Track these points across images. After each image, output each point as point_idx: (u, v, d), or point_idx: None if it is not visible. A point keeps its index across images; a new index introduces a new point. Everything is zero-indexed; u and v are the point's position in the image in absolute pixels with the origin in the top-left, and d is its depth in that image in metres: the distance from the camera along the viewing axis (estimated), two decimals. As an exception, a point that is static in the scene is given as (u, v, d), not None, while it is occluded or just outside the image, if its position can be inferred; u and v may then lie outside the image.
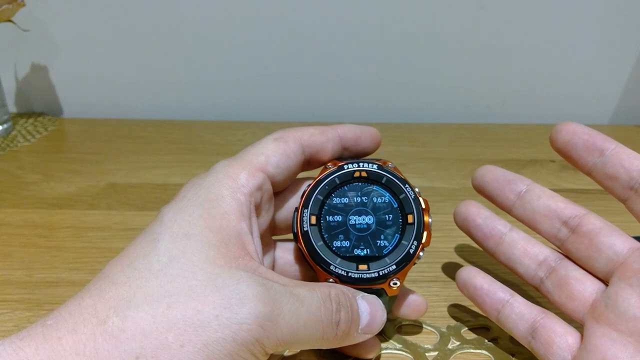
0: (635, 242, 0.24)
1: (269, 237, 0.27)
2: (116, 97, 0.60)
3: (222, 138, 0.54)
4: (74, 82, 0.59)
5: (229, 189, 0.22)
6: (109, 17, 0.56)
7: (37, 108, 0.61)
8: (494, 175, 0.28)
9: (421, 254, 0.25)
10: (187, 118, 0.59)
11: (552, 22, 0.55)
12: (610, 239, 0.24)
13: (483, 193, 0.28)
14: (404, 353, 0.27)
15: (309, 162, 0.26)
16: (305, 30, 0.56)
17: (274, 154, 0.24)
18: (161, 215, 0.21)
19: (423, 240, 0.25)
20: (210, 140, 0.54)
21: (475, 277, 0.27)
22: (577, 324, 0.24)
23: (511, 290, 0.26)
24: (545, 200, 0.26)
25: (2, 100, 0.53)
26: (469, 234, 0.28)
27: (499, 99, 0.60)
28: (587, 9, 0.55)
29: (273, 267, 0.27)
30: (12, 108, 0.60)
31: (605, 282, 0.24)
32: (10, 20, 0.50)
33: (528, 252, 0.26)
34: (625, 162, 0.24)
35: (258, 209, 0.24)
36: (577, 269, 0.25)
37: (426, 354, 0.27)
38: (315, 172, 0.27)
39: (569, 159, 0.26)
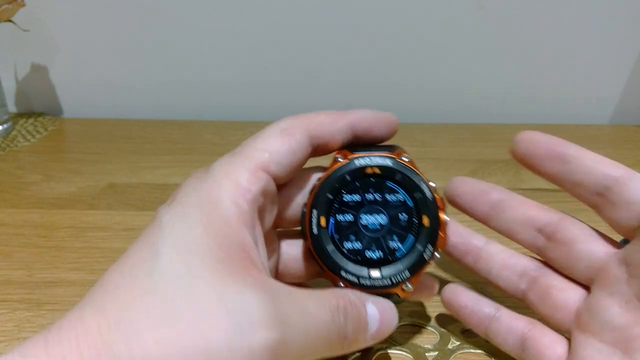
0: (611, 247, 0.23)
1: (273, 233, 0.26)
2: (116, 97, 0.60)
3: (222, 138, 0.54)
4: (74, 82, 0.59)
5: (231, 195, 0.21)
6: (109, 17, 0.56)
7: (37, 108, 0.61)
8: (467, 187, 0.27)
9: (437, 255, 0.24)
10: (187, 118, 0.59)
11: (552, 22, 0.55)
12: (588, 245, 0.23)
13: (457, 206, 0.28)
14: (404, 353, 0.27)
15: (316, 151, 0.25)
16: (304, 31, 0.56)
17: (278, 150, 0.22)
18: (160, 223, 0.20)
19: (438, 244, 0.24)
20: (210, 140, 0.54)
21: (460, 296, 0.26)
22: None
23: (497, 304, 0.26)
24: (518, 209, 0.26)
25: (2, 100, 0.53)
26: (446, 253, 0.28)
27: (499, 99, 0.60)
28: (587, 9, 0.55)
29: (278, 264, 0.26)
30: (12, 108, 0.60)
31: (587, 287, 0.24)
32: (10, 20, 0.50)
33: (507, 264, 0.26)
34: (590, 167, 0.23)
35: (261, 212, 0.22)
36: (558, 277, 0.24)
37: (426, 354, 0.27)
38: (320, 160, 0.25)
39: (532, 168, 0.25)
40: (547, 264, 0.25)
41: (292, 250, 0.26)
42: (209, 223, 0.20)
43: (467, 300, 0.26)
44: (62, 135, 0.56)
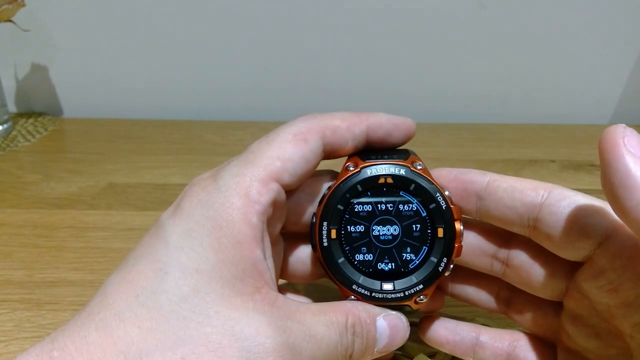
0: (567, 266, 0.22)
1: (279, 236, 0.25)
2: (116, 97, 0.60)
3: (222, 138, 0.54)
4: (74, 82, 0.59)
5: (240, 210, 0.20)
6: (109, 17, 0.56)
7: (37, 108, 0.61)
8: None
9: (452, 266, 0.23)
10: (187, 118, 0.59)
11: (552, 23, 0.55)
12: (545, 270, 0.22)
13: None
14: (403, 354, 0.27)
15: (327, 156, 0.24)
16: (304, 31, 0.56)
17: (291, 158, 0.21)
18: (166, 237, 0.20)
19: (453, 256, 0.23)
20: (210, 140, 0.54)
21: (438, 332, 0.25)
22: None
23: (476, 326, 0.25)
24: (468, 237, 0.24)
25: (2, 100, 0.53)
26: None
27: (499, 99, 0.60)
28: (587, 9, 0.55)
29: (286, 268, 0.25)
30: (12, 108, 0.60)
31: (559, 300, 0.23)
32: (10, 20, 0.50)
33: (481, 288, 0.25)
34: (507, 200, 0.21)
35: (270, 221, 0.21)
36: (530, 295, 0.24)
37: (426, 355, 0.27)
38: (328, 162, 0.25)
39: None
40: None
41: (299, 252, 0.25)
42: (221, 249, 0.19)
43: (446, 334, 0.25)
44: (62, 135, 0.56)
